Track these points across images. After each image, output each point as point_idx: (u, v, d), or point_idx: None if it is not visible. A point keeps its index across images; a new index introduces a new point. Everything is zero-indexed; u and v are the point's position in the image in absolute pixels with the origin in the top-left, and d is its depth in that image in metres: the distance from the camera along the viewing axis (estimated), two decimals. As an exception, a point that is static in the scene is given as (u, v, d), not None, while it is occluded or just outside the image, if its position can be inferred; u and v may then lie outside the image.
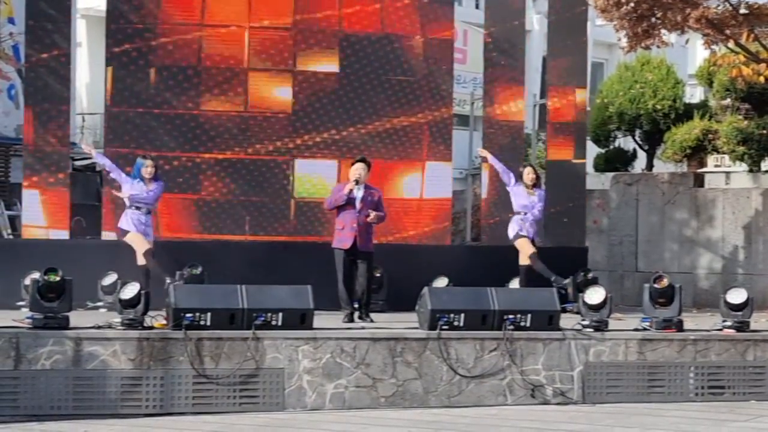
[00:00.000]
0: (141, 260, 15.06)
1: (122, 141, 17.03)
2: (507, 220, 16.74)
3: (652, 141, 21.48)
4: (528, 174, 16.48)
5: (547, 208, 16.98)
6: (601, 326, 13.45)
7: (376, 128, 17.86)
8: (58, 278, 12.21)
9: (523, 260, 16.23)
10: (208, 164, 17.31)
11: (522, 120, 18.67)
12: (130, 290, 12.48)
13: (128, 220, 15.27)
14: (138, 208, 15.26)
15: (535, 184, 16.49)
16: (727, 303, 13.94)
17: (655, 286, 13.76)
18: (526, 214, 16.32)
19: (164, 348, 12.18)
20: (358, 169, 14.56)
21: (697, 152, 20.38)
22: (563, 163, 18.40)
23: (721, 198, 19.39)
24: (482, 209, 18.88)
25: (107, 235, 16.69)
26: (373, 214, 14.47)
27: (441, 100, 18.18)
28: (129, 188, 15.28)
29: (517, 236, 16.33)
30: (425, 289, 13.30)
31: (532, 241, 16.35)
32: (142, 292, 12.48)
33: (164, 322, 12.60)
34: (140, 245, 15.11)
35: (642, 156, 21.87)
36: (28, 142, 16.77)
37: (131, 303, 12.42)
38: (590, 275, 16.98)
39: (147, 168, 15.29)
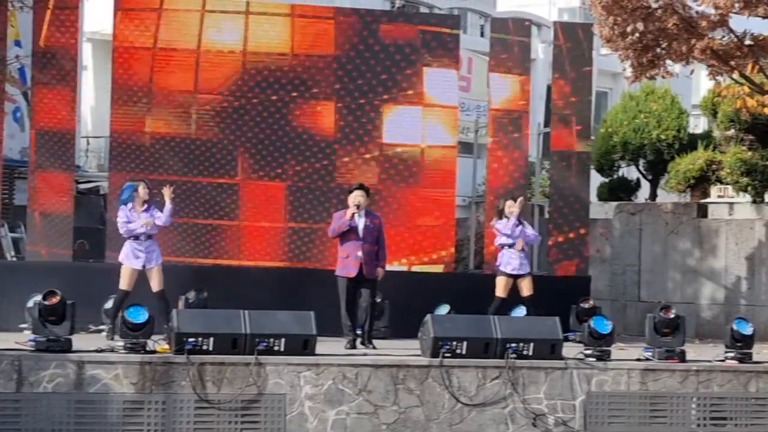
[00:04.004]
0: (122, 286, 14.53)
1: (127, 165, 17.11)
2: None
3: (656, 171, 21.47)
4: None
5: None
6: (603, 356, 13.43)
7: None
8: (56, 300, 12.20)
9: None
10: (211, 187, 17.34)
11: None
12: (137, 315, 12.45)
13: (126, 252, 14.54)
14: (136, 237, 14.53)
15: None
16: (735, 333, 13.90)
17: (663, 316, 13.75)
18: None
19: (166, 372, 12.17)
20: (357, 196, 14.56)
21: (700, 182, 20.37)
22: (566, 190, 18.43)
23: (724, 229, 19.38)
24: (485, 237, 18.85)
25: (110, 259, 16.69)
26: (381, 272, 14.58)
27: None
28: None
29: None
30: (428, 317, 13.28)
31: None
32: (151, 317, 12.45)
33: (167, 346, 12.59)
34: (122, 280, 14.43)
35: (645, 186, 21.86)
36: (32, 165, 16.81)
37: (137, 327, 12.40)
38: (589, 304, 16.91)
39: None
